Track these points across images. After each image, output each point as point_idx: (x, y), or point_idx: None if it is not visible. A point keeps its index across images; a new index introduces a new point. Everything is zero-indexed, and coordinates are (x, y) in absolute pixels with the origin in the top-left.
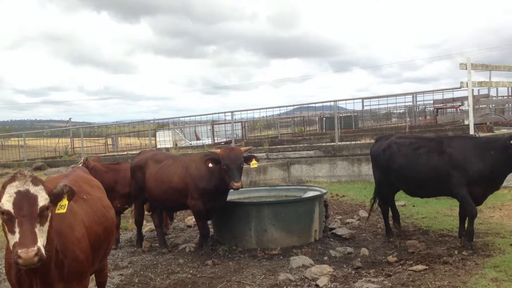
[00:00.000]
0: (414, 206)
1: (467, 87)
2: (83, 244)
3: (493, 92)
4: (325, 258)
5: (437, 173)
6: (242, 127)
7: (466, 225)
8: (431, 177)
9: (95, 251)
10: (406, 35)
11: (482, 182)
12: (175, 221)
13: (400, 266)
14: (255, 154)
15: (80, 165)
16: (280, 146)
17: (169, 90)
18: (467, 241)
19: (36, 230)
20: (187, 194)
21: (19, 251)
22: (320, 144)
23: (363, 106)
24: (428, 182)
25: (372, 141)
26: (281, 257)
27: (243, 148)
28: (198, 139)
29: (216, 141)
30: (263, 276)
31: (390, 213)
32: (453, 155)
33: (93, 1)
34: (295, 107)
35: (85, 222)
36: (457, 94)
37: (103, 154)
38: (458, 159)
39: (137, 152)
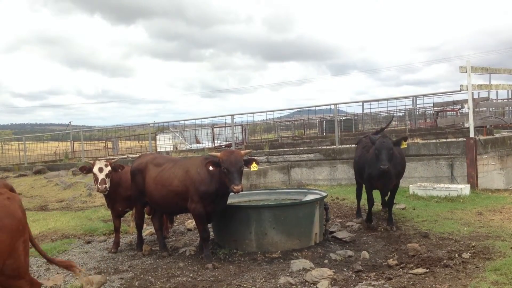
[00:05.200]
0: (414, 209)
1: (467, 90)
2: None
3: (493, 95)
4: (326, 261)
5: (362, 168)
6: (242, 130)
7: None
8: (362, 170)
9: None
10: (404, 37)
11: (377, 176)
12: (175, 224)
13: (400, 269)
14: (255, 157)
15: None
16: (280, 149)
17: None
18: (365, 221)
19: None
20: (187, 197)
21: None
22: (320, 147)
23: (363, 109)
24: (362, 175)
25: None
26: (282, 260)
27: (243, 151)
28: (198, 142)
29: (216, 145)
30: (263, 279)
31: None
32: (368, 154)
33: (87, 3)
34: (295, 110)
35: None
36: (457, 97)
37: (104, 158)
38: (366, 157)
39: (137, 155)
